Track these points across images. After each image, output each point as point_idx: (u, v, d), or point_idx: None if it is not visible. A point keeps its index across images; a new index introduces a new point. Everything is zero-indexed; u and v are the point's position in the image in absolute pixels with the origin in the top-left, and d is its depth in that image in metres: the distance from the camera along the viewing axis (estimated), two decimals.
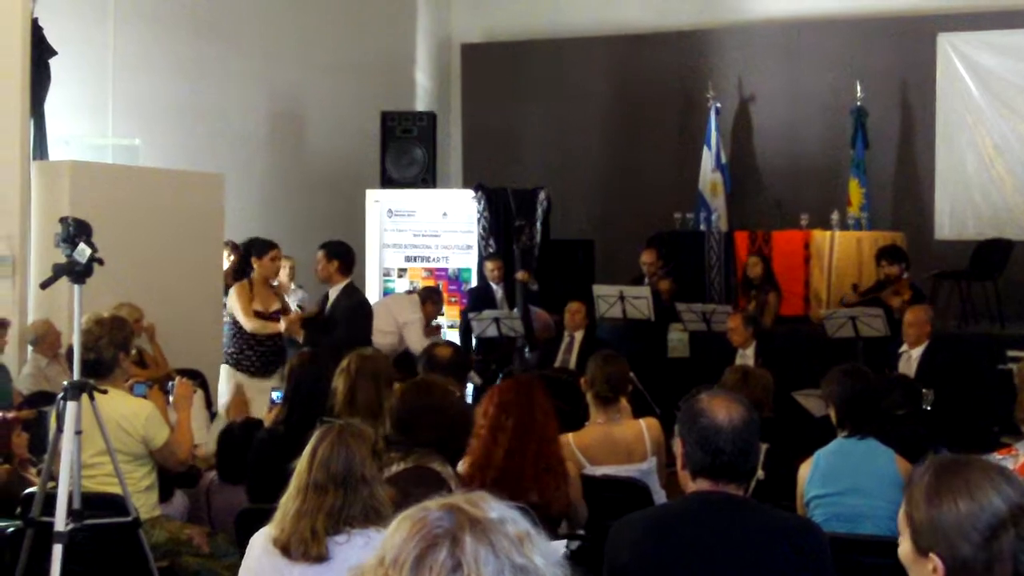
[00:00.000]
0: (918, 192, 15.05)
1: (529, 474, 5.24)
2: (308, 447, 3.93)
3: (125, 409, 5.99)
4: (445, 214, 14.04)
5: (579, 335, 11.85)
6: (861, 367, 6.18)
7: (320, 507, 3.83)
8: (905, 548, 2.53)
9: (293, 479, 3.91)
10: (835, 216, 13.71)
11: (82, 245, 5.51)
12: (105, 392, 5.69)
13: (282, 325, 9.29)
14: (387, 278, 14.05)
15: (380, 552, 1.79)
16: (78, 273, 5.54)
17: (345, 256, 9.31)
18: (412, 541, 1.74)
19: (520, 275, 12.52)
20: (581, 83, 16.66)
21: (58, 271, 5.60)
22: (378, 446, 4.23)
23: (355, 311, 9.12)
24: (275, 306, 9.61)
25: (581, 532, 5.45)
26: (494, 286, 12.72)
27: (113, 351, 6.03)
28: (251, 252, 9.70)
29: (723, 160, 15.16)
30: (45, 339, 10.00)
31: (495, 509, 1.79)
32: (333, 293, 9.25)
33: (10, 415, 7.28)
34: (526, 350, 12.23)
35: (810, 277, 13.56)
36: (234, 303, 9.57)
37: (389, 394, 5.33)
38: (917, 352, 9.92)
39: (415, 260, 14.06)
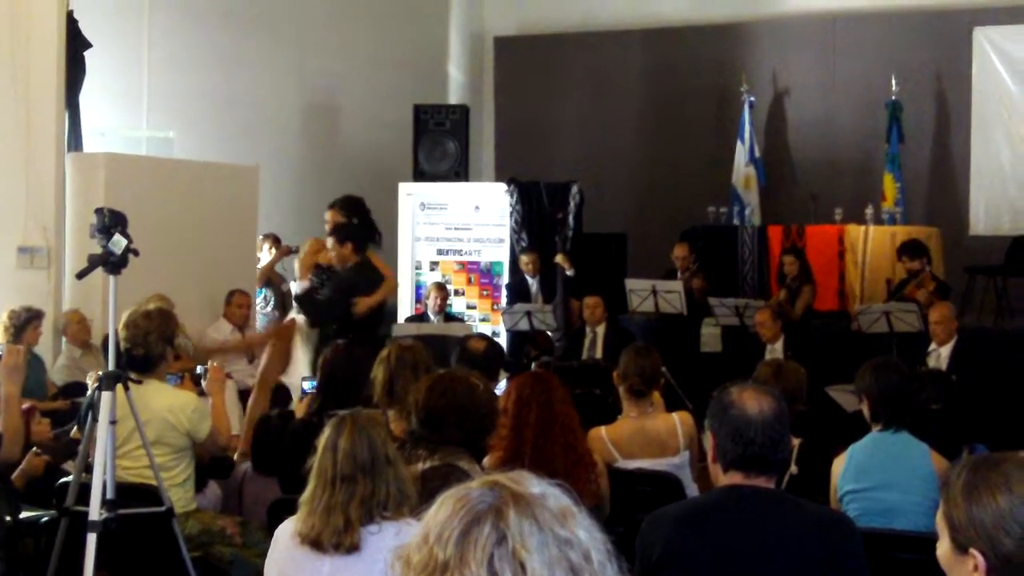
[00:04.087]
0: (953, 187, 14.96)
1: (560, 467, 5.24)
2: (325, 441, 3.93)
3: (171, 402, 6.01)
4: (477, 207, 14.03)
5: (601, 329, 11.86)
6: (894, 360, 6.15)
7: (352, 497, 3.83)
8: (944, 548, 2.51)
9: (315, 475, 3.91)
10: (869, 211, 13.65)
11: (117, 236, 5.52)
12: (139, 383, 5.72)
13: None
14: (419, 271, 14.06)
15: (424, 530, 1.79)
16: (113, 264, 5.56)
17: (359, 236, 9.39)
18: (456, 517, 1.74)
19: (558, 258, 12.54)
20: (614, 76, 16.63)
21: (94, 261, 5.62)
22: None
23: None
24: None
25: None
26: (529, 279, 12.72)
27: (161, 346, 6.06)
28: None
29: (757, 154, 15.10)
30: (69, 329, 10.07)
31: (537, 485, 1.80)
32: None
33: (25, 405, 7.33)
34: (558, 345, 12.21)
35: (844, 272, 13.50)
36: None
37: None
38: (946, 350, 9.87)
39: (447, 253, 14.06)
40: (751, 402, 3.66)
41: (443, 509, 1.78)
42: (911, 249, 12.03)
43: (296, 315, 9.50)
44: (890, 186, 14.15)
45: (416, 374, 5.57)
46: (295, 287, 10.65)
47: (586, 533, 1.76)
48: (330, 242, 9.42)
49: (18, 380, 5.98)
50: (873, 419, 5.56)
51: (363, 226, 9.68)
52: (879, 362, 5.82)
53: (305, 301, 9.52)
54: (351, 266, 9.38)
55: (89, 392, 5.87)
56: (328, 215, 9.93)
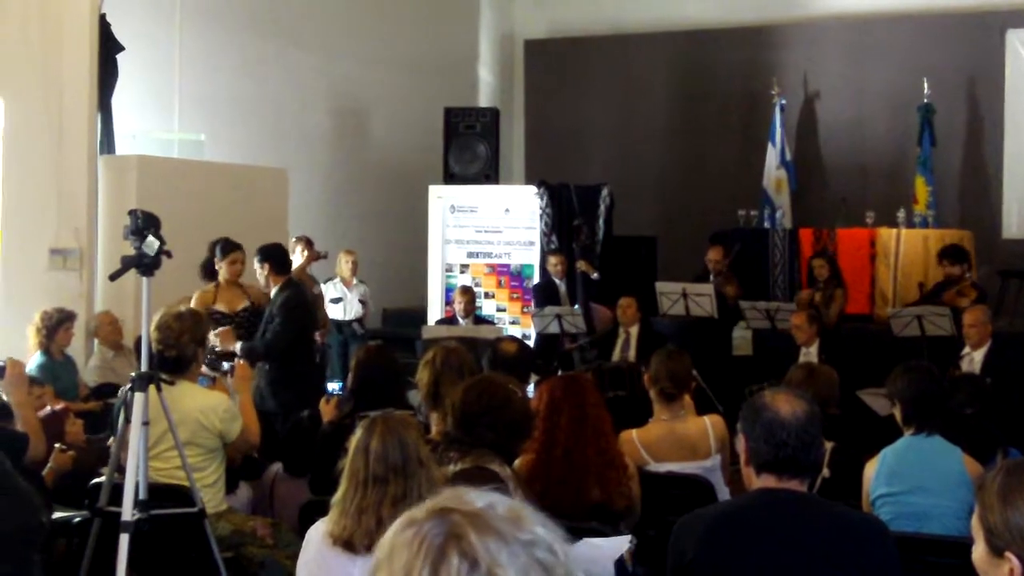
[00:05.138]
0: (985, 190, 14.89)
1: (592, 470, 5.24)
2: (357, 443, 3.94)
3: (203, 403, 6.03)
4: (507, 210, 14.03)
5: (634, 330, 11.87)
6: (926, 364, 6.11)
7: (383, 498, 3.84)
8: (979, 552, 2.50)
9: (347, 476, 3.92)
10: (901, 214, 13.60)
11: (150, 238, 5.54)
12: (172, 383, 5.73)
13: (212, 338, 8.39)
14: (449, 274, 14.07)
15: None
16: (147, 265, 5.58)
17: (276, 256, 9.18)
18: (419, 558, 1.65)
19: (580, 264, 12.52)
20: (645, 79, 16.62)
21: (127, 263, 5.63)
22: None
23: (286, 304, 8.96)
24: (242, 305, 9.41)
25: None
26: (557, 281, 12.72)
27: (193, 347, 6.08)
28: (215, 252, 9.41)
29: (788, 157, 15.06)
30: (101, 330, 10.12)
31: (479, 497, 1.73)
32: (272, 294, 9.10)
33: (59, 406, 7.37)
34: (581, 346, 12.20)
35: (876, 275, 13.45)
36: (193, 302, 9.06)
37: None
38: (980, 354, 9.80)
39: (477, 256, 14.07)
40: (784, 405, 3.65)
41: (399, 554, 1.68)
42: (953, 254, 11.92)
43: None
44: (922, 189, 14.09)
45: (461, 377, 5.56)
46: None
47: (542, 527, 1.71)
48: (255, 261, 9.20)
49: (23, 388, 6.03)
50: (905, 423, 5.53)
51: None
52: (911, 366, 5.78)
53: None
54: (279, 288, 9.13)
55: (121, 393, 5.90)
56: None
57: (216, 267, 9.27)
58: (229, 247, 9.33)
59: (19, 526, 1.84)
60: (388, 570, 1.68)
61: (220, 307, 9.08)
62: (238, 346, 8.68)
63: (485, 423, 4.65)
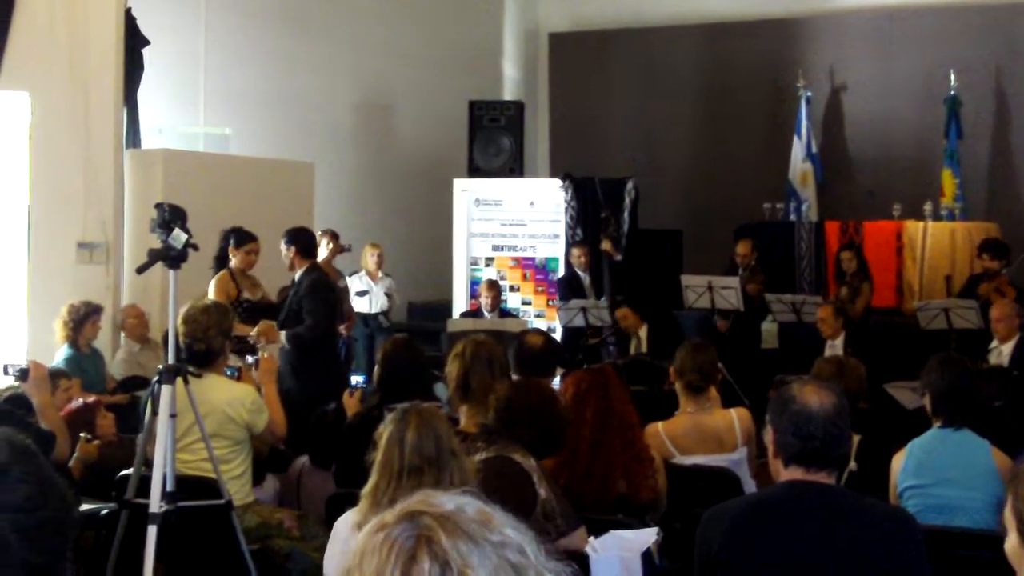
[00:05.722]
0: (1013, 182, 14.80)
1: (618, 464, 5.23)
2: (389, 434, 3.94)
3: (230, 396, 6.05)
4: (532, 203, 14.02)
5: (642, 332, 11.88)
6: (960, 357, 6.07)
7: (418, 488, 3.83)
8: (1012, 543, 2.48)
9: (379, 467, 3.92)
10: (928, 207, 13.54)
11: (177, 230, 5.56)
12: (199, 376, 5.75)
13: (253, 334, 8.63)
14: (474, 267, 14.07)
15: None
16: (173, 258, 5.60)
17: (303, 240, 9.21)
18: (390, 562, 1.64)
19: (604, 244, 12.52)
20: (669, 72, 16.58)
21: (153, 256, 5.65)
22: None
23: (315, 287, 8.99)
24: (259, 295, 9.49)
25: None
26: (581, 274, 12.70)
27: (220, 339, 6.10)
28: (230, 241, 9.44)
29: (814, 150, 15.01)
30: (128, 324, 10.15)
31: (448, 500, 1.73)
32: (297, 277, 9.15)
33: (91, 399, 7.40)
34: (609, 343, 12.18)
35: (902, 268, 13.40)
36: (211, 292, 9.12)
37: (502, 381, 5.34)
38: (1008, 347, 9.75)
39: (502, 249, 14.06)
40: (812, 397, 3.64)
41: (369, 558, 1.67)
42: (994, 247, 11.76)
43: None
44: (949, 182, 14.02)
45: (492, 370, 5.55)
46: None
47: (512, 529, 1.70)
48: (281, 244, 9.24)
49: (46, 390, 6.05)
50: (934, 414, 5.50)
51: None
52: (945, 358, 5.75)
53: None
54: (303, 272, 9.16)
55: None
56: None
57: (230, 256, 9.32)
58: (246, 237, 9.41)
59: (51, 517, 1.83)
60: (366, 570, 1.67)
61: (247, 295, 9.16)
62: (282, 335, 8.74)
63: (525, 421, 4.67)
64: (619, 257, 12.67)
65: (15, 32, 10.25)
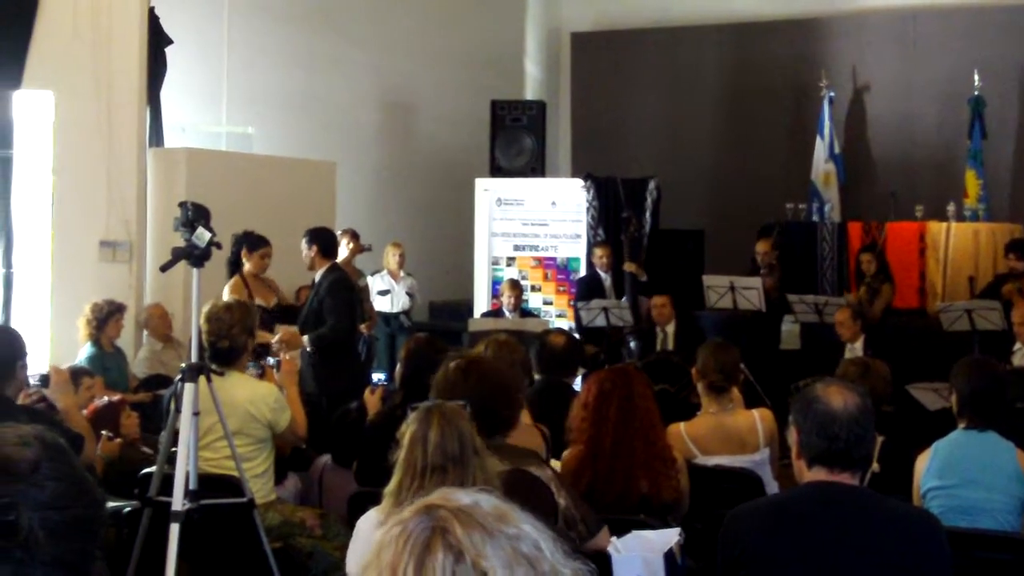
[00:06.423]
0: None
1: (640, 462, 5.23)
2: (412, 433, 3.93)
3: (252, 394, 6.07)
4: (554, 203, 14.01)
5: (671, 328, 11.83)
6: (990, 360, 6.04)
7: (440, 487, 3.83)
8: None
9: (402, 466, 3.92)
10: (951, 207, 13.47)
11: (201, 229, 5.58)
12: (222, 374, 5.77)
13: (275, 343, 8.67)
14: (496, 267, 14.07)
15: None
16: (197, 257, 5.62)
17: (325, 240, 9.22)
18: (404, 553, 1.68)
19: (628, 266, 12.45)
20: (692, 72, 16.55)
21: (177, 254, 5.68)
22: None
23: (335, 287, 9.00)
24: (273, 301, 9.51)
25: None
26: (602, 274, 12.67)
27: (244, 337, 6.11)
28: (243, 246, 9.48)
29: (836, 150, 14.95)
30: (151, 322, 10.19)
31: (465, 495, 1.77)
32: (318, 277, 9.17)
33: (115, 397, 7.43)
34: (632, 342, 12.16)
35: (925, 269, 13.34)
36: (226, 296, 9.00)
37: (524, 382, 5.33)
38: None
39: (524, 249, 14.06)
40: (836, 397, 3.63)
41: (386, 551, 1.71)
42: (1020, 247, 11.72)
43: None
44: (972, 183, 13.95)
45: (514, 369, 5.56)
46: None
47: (529, 524, 1.72)
48: (302, 243, 9.26)
49: (69, 394, 6.08)
50: (960, 416, 5.48)
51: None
52: (975, 361, 5.73)
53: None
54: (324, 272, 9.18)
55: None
56: None
57: (243, 260, 9.34)
58: (260, 241, 9.45)
59: (81, 515, 1.84)
60: (377, 567, 1.70)
61: (259, 301, 9.15)
62: (305, 339, 8.76)
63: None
64: (644, 278, 12.60)
65: (39, 32, 10.30)
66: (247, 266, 9.38)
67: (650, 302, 11.99)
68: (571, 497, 4.61)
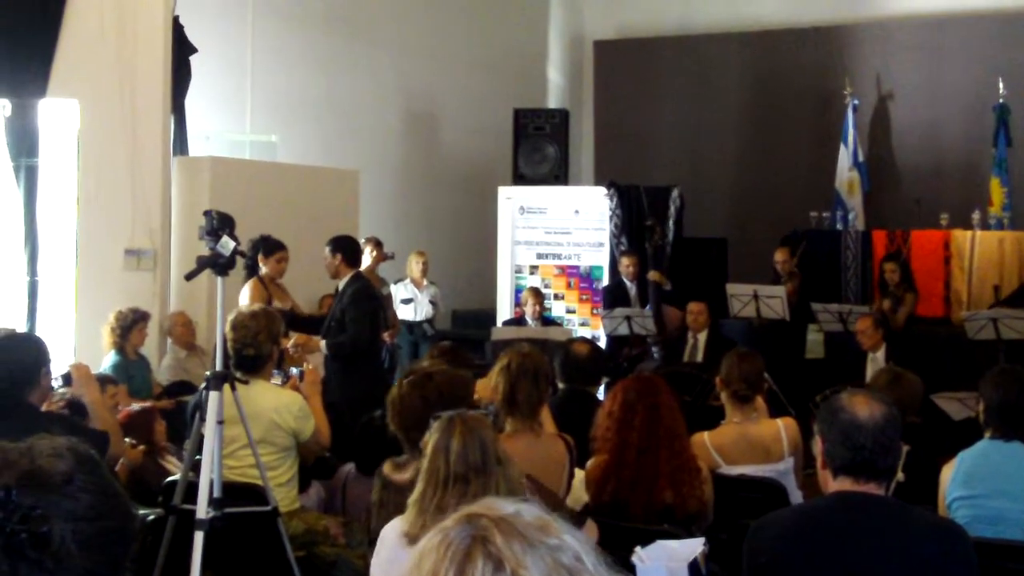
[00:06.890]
0: None
1: (664, 472, 5.21)
2: (435, 442, 3.92)
3: (277, 402, 6.07)
4: (577, 211, 14.02)
5: (703, 336, 11.80)
6: (1020, 370, 6.00)
7: (463, 497, 3.83)
8: None
9: (425, 476, 3.92)
10: (976, 215, 13.42)
11: (225, 238, 5.59)
12: (246, 383, 5.78)
13: (291, 349, 8.73)
14: (519, 275, 14.08)
15: None
16: (222, 265, 5.64)
17: (348, 248, 9.22)
18: (445, 561, 1.68)
19: (652, 275, 12.42)
20: (715, 79, 16.54)
21: (202, 263, 5.69)
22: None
23: (358, 296, 9.01)
24: (288, 305, 9.52)
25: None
26: (628, 283, 12.66)
27: (269, 345, 6.12)
28: (259, 250, 9.46)
29: (860, 158, 14.92)
30: (174, 330, 10.22)
31: (508, 505, 1.75)
32: (341, 286, 9.17)
33: (147, 404, 7.45)
34: (654, 350, 12.15)
35: (950, 277, 13.28)
36: (244, 299, 9.18)
37: (548, 393, 5.32)
38: None
39: (546, 257, 14.06)
40: (862, 407, 3.62)
41: (427, 559, 1.70)
42: None
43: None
44: (997, 191, 13.90)
45: (537, 382, 5.55)
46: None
47: (570, 536, 1.72)
48: (326, 251, 9.26)
49: (94, 387, 6.08)
50: (987, 425, 5.45)
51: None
52: (1005, 371, 5.68)
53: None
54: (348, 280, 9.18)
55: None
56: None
57: (260, 265, 9.36)
58: (277, 246, 9.47)
59: (113, 527, 1.84)
60: (424, 570, 1.70)
61: (277, 303, 9.18)
62: (323, 344, 8.77)
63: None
64: (668, 287, 12.58)
65: (65, 40, 10.34)
66: (264, 270, 9.41)
67: (686, 308, 11.96)
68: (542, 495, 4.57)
